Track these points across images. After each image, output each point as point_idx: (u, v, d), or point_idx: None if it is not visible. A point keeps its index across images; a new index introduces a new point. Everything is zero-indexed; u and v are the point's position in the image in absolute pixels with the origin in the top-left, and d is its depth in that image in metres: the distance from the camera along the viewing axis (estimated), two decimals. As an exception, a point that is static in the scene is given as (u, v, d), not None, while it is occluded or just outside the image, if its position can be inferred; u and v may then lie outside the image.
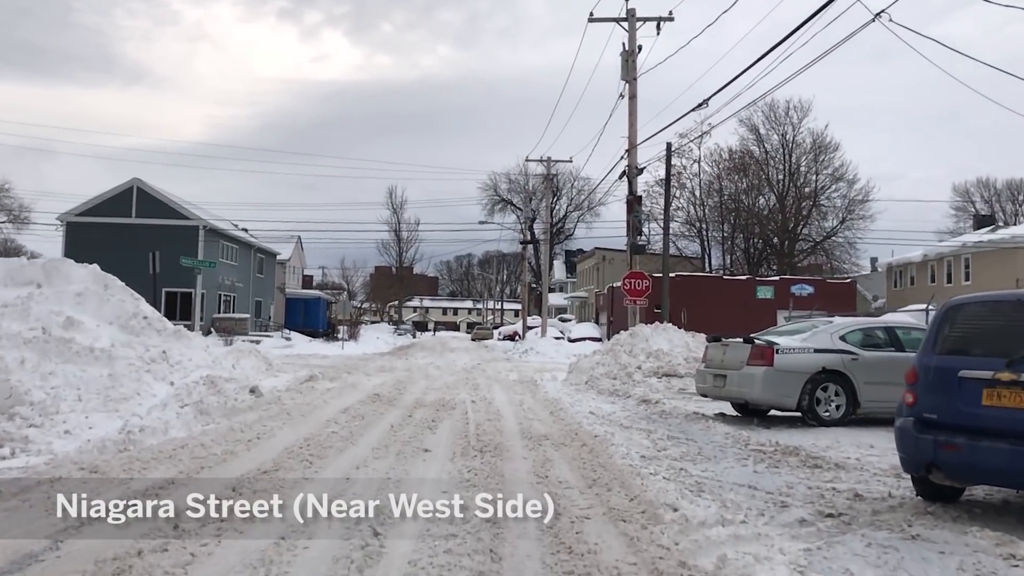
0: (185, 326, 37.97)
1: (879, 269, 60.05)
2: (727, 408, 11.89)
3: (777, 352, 10.16)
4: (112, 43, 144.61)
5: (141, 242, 38.85)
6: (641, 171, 20.83)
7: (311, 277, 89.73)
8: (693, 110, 16.05)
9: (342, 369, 22.17)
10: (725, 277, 40.64)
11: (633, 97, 21.70)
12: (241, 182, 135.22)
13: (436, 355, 35.93)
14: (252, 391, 11.04)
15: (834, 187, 57.67)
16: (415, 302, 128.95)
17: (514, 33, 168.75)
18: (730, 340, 11.00)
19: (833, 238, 57.69)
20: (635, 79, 21.41)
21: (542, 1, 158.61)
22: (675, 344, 19.32)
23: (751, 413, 11.11)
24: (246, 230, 50.07)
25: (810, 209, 57.43)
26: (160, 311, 37.81)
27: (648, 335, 19.32)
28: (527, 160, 40.34)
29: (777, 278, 41.78)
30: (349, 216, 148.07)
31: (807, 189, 57.98)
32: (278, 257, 55.70)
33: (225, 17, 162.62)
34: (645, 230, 55.87)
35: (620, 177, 22.22)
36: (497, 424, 9.49)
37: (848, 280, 44.26)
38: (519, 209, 73.13)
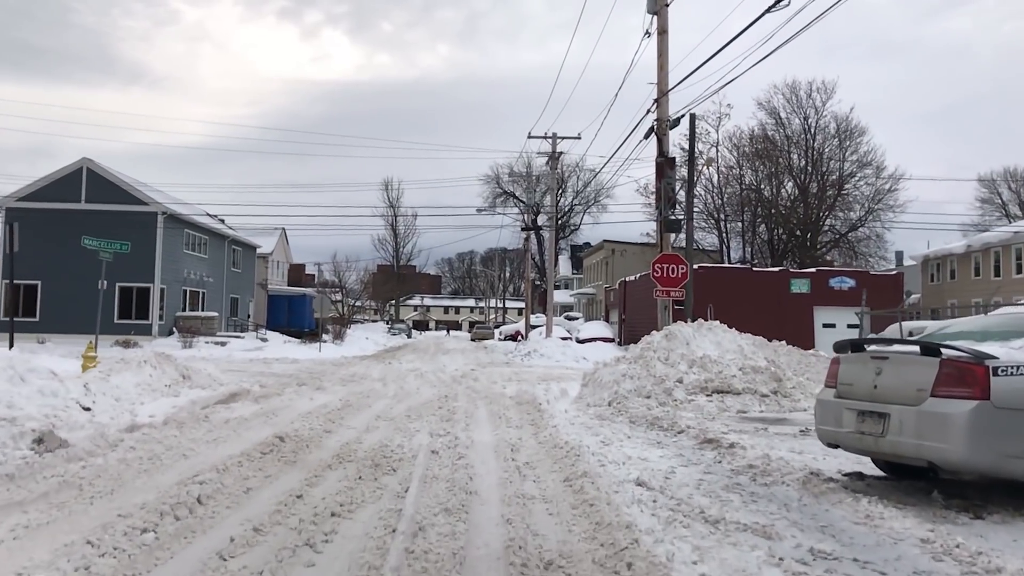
0: (142, 325, 33.42)
1: (913, 261, 55.09)
2: (856, 461, 7.14)
3: (995, 373, 5.34)
4: (111, 43, 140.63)
5: (92, 230, 34.04)
6: (676, 123, 15.99)
7: (312, 276, 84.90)
8: (769, 10, 11.14)
9: (296, 380, 17.51)
10: (755, 269, 35.80)
11: (663, 32, 16.89)
12: (243, 181, 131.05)
13: (426, 359, 31.21)
14: (38, 441, 6.26)
15: (860, 175, 52.92)
16: (416, 300, 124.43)
17: (513, 32, 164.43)
18: (890, 349, 6.17)
19: (858, 230, 53.00)
20: (667, 5, 16.59)
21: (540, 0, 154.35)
22: (725, 349, 14.52)
23: (914, 474, 6.34)
24: (222, 220, 45.32)
25: (834, 198, 52.63)
26: (113, 309, 33.23)
27: (689, 337, 14.53)
28: (529, 136, 35.49)
29: (814, 270, 36.92)
30: (347, 213, 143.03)
31: (833, 177, 53.20)
32: (259, 250, 50.95)
33: (225, 17, 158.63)
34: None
35: (647, 135, 17.41)
36: (459, 528, 4.64)
37: (895, 272, 39.43)
38: (522, 201, 68.37)
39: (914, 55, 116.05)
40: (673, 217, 16.36)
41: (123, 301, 34.29)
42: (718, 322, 15.24)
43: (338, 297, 62.00)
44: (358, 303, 68.93)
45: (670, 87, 16.78)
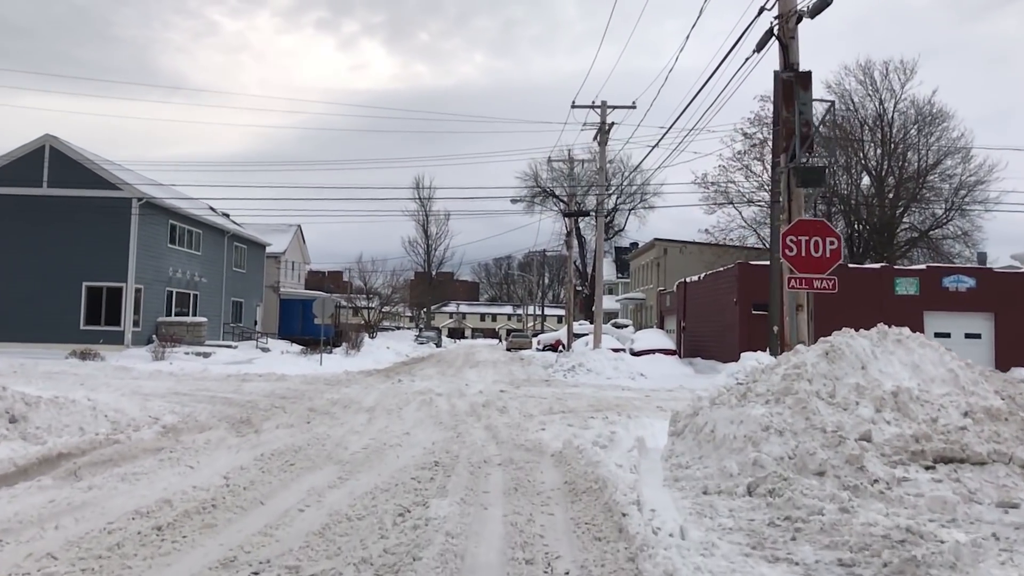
0: (112, 332, 27.97)
1: (1017, 263, 47.71)
2: None
3: None
4: (152, 56, 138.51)
5: (56, 218, 28.95)
6: (821, 7, 9.79)
7: (348, 284, 79.58)
8: None
9: (247, 411, 11.88)
10: (851, 266, 29.29)
11: None
12: (279, 188, 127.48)
13: (448, 374, 25.36)
14: None
15: (943, 166, 45.73)
16: (451, 308, 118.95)
17: (548, 39, 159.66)
18: None
19: (944, 227, 45.89)
20: None
21: (575, 6, 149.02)
22: (929, 376, 8.28)
23: None
24: (227, 215, 39.98)
25: (915, 192, 45.59)
26: (79, 312, 27.83)
27: (864, 356, 8.32)
28: (574, 106, 29.40)
29: (923, 267, 30.30)
30: (377, 210, 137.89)
31: (912, 168, 46.20)
32: (269, 249, 45.59)
33: (264, 28, 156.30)
34: (718, 219, 44.22)
35: (760, 46, 11.28)
36: None
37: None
38: (562, 201, 62.39)
39: (954, 54, 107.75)
40: (812, 165, 10.14)
41: (91, 303, 28.96)
42: (907, 329, 9.02)
43: (364, 303, 56.62)
44: (386, 308, 63.33)
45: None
